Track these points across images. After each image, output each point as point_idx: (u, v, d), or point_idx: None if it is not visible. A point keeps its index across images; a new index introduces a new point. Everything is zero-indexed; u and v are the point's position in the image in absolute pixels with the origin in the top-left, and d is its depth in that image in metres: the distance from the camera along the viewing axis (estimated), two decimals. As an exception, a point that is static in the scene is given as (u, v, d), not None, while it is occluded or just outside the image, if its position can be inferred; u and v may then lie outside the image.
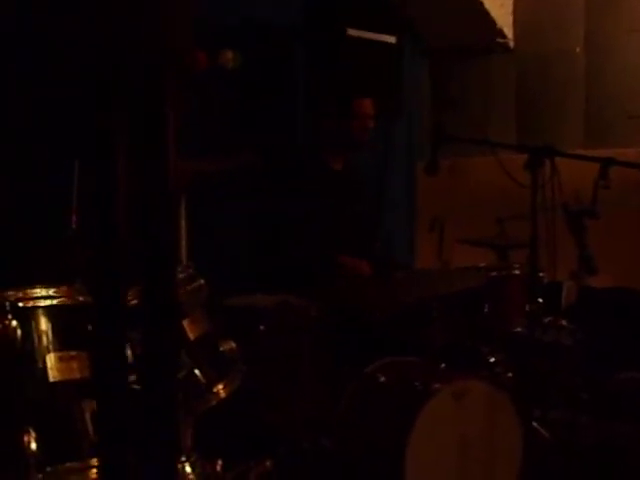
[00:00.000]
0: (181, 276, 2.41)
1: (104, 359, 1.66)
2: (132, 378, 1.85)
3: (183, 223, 2.78)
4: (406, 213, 5.51)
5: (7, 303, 2.02)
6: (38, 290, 2.11)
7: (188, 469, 2.41)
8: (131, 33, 1.61)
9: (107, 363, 1.66)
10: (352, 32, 4.30)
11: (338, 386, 3.17)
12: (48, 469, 1.93)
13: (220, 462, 2.56)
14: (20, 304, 2.06)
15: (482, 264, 3.84)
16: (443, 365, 3.20)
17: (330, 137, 3.99)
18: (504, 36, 5.62)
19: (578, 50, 5.47)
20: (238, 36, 3.92)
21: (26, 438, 1.92)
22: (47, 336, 2.07)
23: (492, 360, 3.50)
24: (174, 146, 1.68)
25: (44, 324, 2.07)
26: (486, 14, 5.31)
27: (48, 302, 2.10)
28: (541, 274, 3.51)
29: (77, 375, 2.06)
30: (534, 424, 3.40)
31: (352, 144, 4.00)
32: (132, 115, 1.62)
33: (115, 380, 1.66)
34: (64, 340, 2.10)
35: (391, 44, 4.58)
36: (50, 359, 2.04)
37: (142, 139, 1.64)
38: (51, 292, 2.12)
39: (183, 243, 2.76)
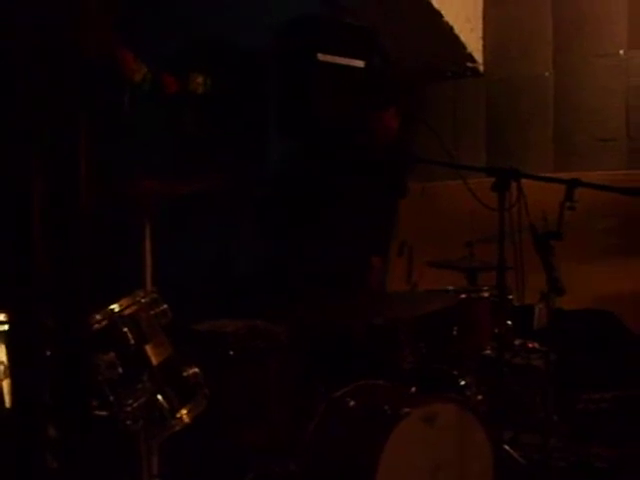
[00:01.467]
0: (144, 300, 2.39)
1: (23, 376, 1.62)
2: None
3: (148, 246, 2.75)
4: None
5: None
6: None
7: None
8: (41, 38, 1.58)
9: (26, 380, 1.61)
10: (322, 57, 4.31)
11: (307, 410, 3.15)
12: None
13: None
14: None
15: (451, 287, 3.84)
16: (413, 388, 3.18)
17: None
18: (474, 60, 5.66)
19: (547, 74, 5.52)
20: (209, 61, 3.92)
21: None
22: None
23: (462, 383, 3.48)
24: (89, 159, 1.64)
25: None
26: (456, 38, 5.34)
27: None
28: (510, 296, 3.52)
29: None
30: (505, 447, 3.39)
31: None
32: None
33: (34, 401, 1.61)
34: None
35: (360, 68, 4.60)
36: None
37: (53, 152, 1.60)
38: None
39: (148, 266, 2.74)
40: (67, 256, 1.59)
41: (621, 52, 5.27)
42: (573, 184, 2.95)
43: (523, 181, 3.01)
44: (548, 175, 3.85)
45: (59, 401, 1.55)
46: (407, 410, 2.90)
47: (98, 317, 2.23)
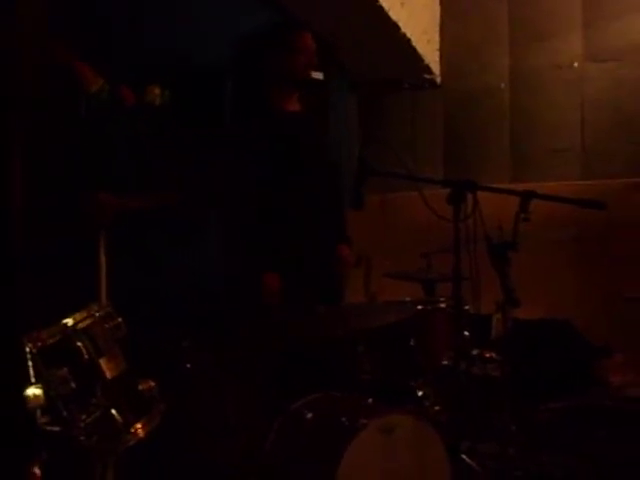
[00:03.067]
0: (98, 314, 2.37)
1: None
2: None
3: (103, 260, 2.74)
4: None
5: None
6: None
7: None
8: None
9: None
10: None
11: (265, 423, 3.14)
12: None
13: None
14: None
15: (408, 298, 3.85)
16: (370, 400, 3.18)
17: (275, 76, 3.96)
18: (431, 72, 5.71)
19: (503, 86, 5.58)
20: (166, 73, 3.91)
21: None
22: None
23: (420, 394, 3.50)
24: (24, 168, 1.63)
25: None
26: (413, 50, 5.38)
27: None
28: (466, 307, 3.54)
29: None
30: (463, 456, 3.40)
31: (298, 81, 3.97)
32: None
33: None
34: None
35: (319, 80, 4.59)
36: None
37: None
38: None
39: (103, 280, 2.72)
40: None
41: (575, 64, 5.35)
42: (527, 196, 2.99)
43: (479, 192, 3.05)
44: (504, 186, 3.88)
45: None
46: (364, 421, 2.90)
47: (51, 331, 2.20)
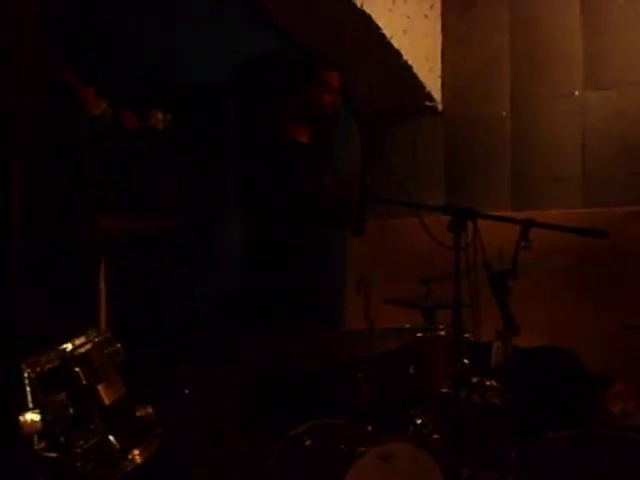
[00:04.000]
0: (97, 340, 2.37)
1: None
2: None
3: (102, 285, 2.73)
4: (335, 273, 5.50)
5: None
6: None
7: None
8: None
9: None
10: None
11: (264, 449, 3.12)
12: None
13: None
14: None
15: (408, 325, 3.85)
16: (370, 427, 3.17)
17: (298, 107, 4.02)
18: (432, 99, 5.73)
19: (504, 114, 5.60)
20: (169, 98, 3.92)
21: None
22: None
23: (419, 421, 3.48)
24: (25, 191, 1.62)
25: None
26: (415, 77, 5.40)
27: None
28: (466, 335, 3.53)
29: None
30: (462, 485, 3.39)
31: (318, 116, 4.04)
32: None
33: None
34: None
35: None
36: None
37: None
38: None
39: (102, 306, 2.72)
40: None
41: (576, 93, 5.37)
42: (528, 224, 2.99)
43: (480, 220, 3.05)
44: (505, 214, 3.89)
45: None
46: (363, 449, 2.89)
47: (50, 356, 2.20)
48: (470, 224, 3.04)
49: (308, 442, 3.08)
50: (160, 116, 3.75)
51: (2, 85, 1.57)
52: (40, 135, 2.17)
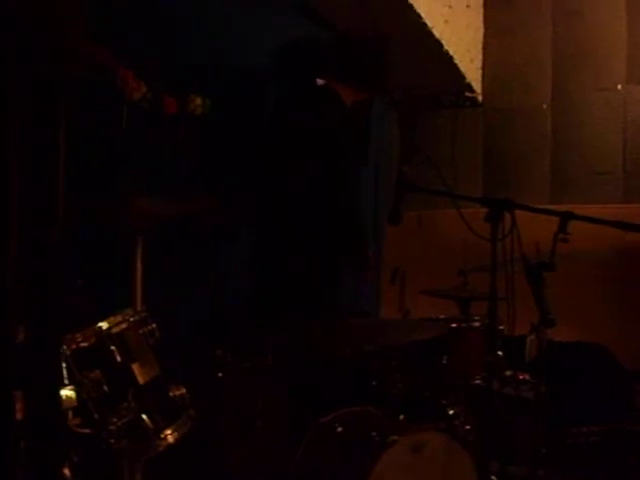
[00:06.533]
0: (132, 319, 2.38)
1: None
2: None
3: (139, 265, 2.75)
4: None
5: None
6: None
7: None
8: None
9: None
10: (320, 82, 4.32)
11: (296, 435, 3.13)
12: None
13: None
14: None
15: (442, 315, 3.83)
16: (402, 416, 3.17)
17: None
18: (472, 90, 5.70)
19: (545, 107, 5.55)
20: (209, 82, 3.93)
21: None
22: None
23: (451, 412, 3.47)
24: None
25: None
26: (455, 68, 5.37)
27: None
28: (501, 327, 3.51)
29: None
30: (492, 478, 3.37)
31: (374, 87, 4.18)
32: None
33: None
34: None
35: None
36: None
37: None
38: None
39: (139, 286, 2.73)
40: (41, 273, 1.57)
41: (619, 87, 5.31)
42: (566, 216, 2.96)
43: (518, 212, 3.03)
44: (545, 206, 3.85)
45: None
46: (395, 438, 2.89)
47: (86, 334, 2.22)
48: (508, 216, 3.02)
49: (339, 429, 3.08)
50: (199, 101, 3.76)
51: (46, 68, 1.58)
52: (82, 118, 2.18)
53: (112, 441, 2.13)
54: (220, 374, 3.11)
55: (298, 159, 3.94)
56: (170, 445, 2.31)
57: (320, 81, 4.14)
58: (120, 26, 3.28)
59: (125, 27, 3.31)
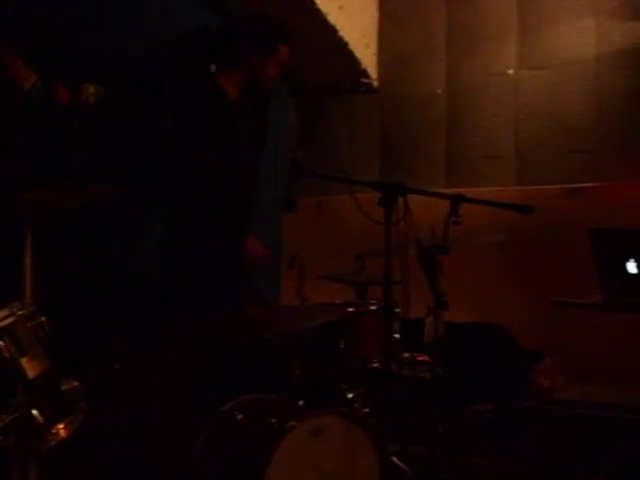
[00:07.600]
0: (21, 313, 2.33)
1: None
2: None
3: (29, 257, 2.69)
4: (271, 249, 5.48)
5: None
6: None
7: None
8: None
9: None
10: (214, 69, 4.28)
11: (195, 424, 3.13)
12: None
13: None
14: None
15: (339, 300, 3.85)
16: (301, 402, 3.18)
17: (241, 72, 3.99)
18: (368, 76, 5.73)
19: (439, 92, 5.63)
20: (102, 71, 3.87)
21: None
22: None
23: (350, 396, 3.50)
24: None
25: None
26: (351, 54, 5.40)
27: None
28: (397, 310, 3.56)
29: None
30: (393, 458, 3.42)
31: (259, 86, 4.07)
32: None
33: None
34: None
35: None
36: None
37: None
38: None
39: (28, 279, 2.67)
40: None
41: (510, 71, 5.42)
42: (457, 199, 3.02)
43: (412, 196, 3.06)
44: (436, 190, 3.91)
45: None
46: (294, 423, 2.91)
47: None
48: (401, 200, 3.05)
49: (239, 417, 3.09)
50: (92, 89, 3.70)
51: None
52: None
53: (0, 438, 2.08)
54: (116, 365, 3.08)
55: (193, 147, 3.92)
56: (62, 440, 2.27)
57: (213, 67, 4.10)
58: (11, 15, 3.21)
59: (16, 16, 3.24)
